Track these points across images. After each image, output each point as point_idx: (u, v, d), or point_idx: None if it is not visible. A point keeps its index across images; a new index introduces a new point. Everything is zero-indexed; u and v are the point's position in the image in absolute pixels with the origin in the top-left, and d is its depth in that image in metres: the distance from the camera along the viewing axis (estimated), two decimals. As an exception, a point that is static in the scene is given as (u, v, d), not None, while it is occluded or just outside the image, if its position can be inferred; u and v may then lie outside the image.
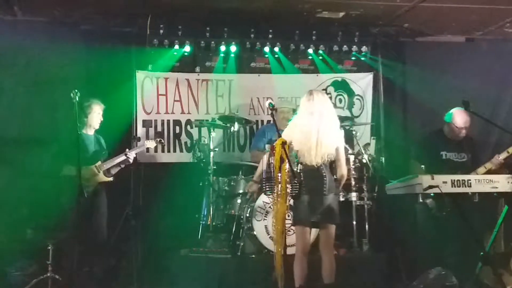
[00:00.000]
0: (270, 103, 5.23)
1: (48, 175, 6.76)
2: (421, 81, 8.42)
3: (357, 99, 8.37)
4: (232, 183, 7.07)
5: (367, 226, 7.03)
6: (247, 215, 6.64)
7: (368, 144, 7.44)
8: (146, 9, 7.34)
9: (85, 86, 7.41)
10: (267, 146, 5.39)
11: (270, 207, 6.24)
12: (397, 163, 7.25)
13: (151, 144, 7.17)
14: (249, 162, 7.30)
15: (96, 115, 6.62)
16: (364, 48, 8.24)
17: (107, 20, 7.63)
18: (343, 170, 5.59)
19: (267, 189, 5.06)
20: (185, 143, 7.96)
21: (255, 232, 6.50)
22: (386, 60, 8.40)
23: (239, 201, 6.94)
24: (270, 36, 8.01)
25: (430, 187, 5.48)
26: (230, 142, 8.07)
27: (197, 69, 8.10)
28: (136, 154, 6.86)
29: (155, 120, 7.88)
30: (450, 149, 6.69)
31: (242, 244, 6.67)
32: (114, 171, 6.71)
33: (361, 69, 8.44)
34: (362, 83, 8.38)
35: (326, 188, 5.36)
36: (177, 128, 7.95)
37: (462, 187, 5.59)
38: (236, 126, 7.32)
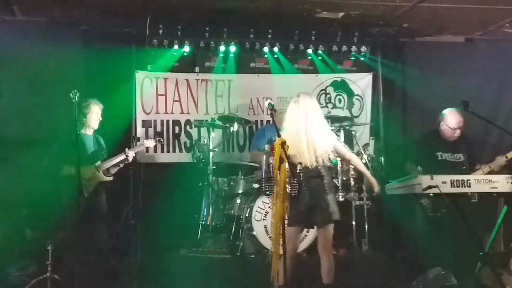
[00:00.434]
0: (269, 103, 5.22)
1: (47, 175, 6.76)
2: (421, 81, 8.42)
3: (356, 99, 8.38)
4: (231, 183, 7.08)
5: (366, 226, 7.03)
6: (247, 215, 6.65)
7: (367, 144, 7.45)
8: (145, 9, 7.34)
9: (85, 86, 7.42)
10: (266, 146, 5.38)
11: (269, 207, 6.23)
12: (396, 163, 7.24)
13: (150, 143, 7.17)
14: (248, 162, 7.30)
15: (94, 115, 6.62)
16: (363, 48, 8.24)
17: (107, 20, 7.63)
18: (353, 158, 5.87)
19: (267, 189, 5.06)
20: (185, 143, 7.96)
21: (254, 232, 6.50)
22: (386, 60, 8.40)
23: (238, 201, 6.95)
24: (270, 36, 8.01)
25: (430, 187, 5.48)
26: (230, 142, 8.07)
27: (197, 69, 8.10)
28: (135, 154, 6.86)
29: (155, 120, 7.88)
30: (445, 149, 6.71)
31: (241, 244, 6.68)
32: (113, 170, 6.71)
33: (360, 69, 8.44)
34: (361, 83, 8.38)
35: (325, 188, 5.36)
36: (177, 128, 7.95)
37: (462, 187, 5.59)
38: (235, 126, 7.32)
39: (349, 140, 7.33)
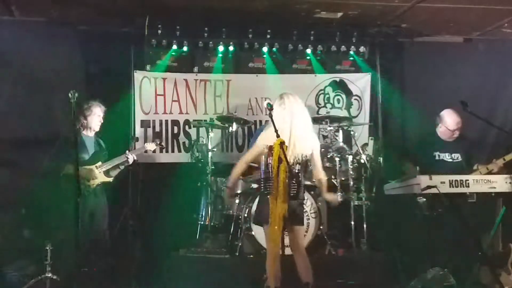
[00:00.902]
0: (268, 103, 5.21)
1: (46, 175, 6.76)
2: (419, 81, 8.44)
3: (355, 99, 8.38)
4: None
5: (365, 226, 7.02)
6: (245, 215, 6.64)
7: (366, 144, 7.45)
8: (144, 10, 7.33)
9: (83, 86, 7.44)
10: (265, 146, 5.37)
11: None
12: (395, 163, 7.25)
13: (151, 146, 7.15)
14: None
15: (96, 117, 6.60)
16: (362, 48, 8.24)
17: (105, 20, 7.63)
18: (320, 174, 5.48)
19: (266, 189, 5.05)
20: (183, 143, 7.96)
21: (253, 233, 6.50)
22: (384, 61, 8.40)
23: (237, 201, 6.94)
24: (268, 36, 8.01)
25: (428, 187, 5.50)
26: (228, 142, 8.07)
27: (195, 69, 8.10)
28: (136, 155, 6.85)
29: (153, 120, 7.88)
30: (443, 149, 6.72)
31: (240, 244, 6.67)
32: (114, 173, 6.68)
33: (359, 69, 8.43)
34: (360, 83, 8.37)
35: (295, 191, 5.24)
36: (175, 128, 7.95)
37: (460, 187, 5.62)
38: (234, 126, 7.32)
39: (348, 140, 7.34)
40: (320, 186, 5.57)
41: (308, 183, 6.87)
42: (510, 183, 5.65)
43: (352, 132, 7.33)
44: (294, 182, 4.89)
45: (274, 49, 8.09)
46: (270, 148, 5.09)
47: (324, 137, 7.63)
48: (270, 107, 5.16)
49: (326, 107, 8.25)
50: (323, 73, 8.34)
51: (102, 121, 6.68)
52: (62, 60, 7.61)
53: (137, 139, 7.50)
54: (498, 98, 8.56)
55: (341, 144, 7.15)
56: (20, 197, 7.23)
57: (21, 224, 7.04)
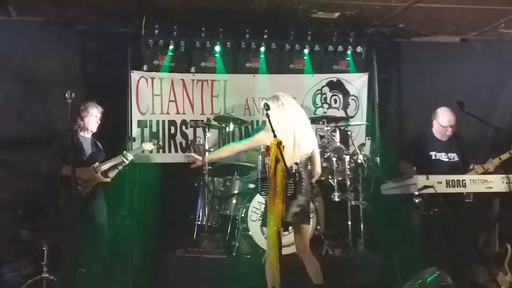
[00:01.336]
0: (265, 103, 5.20)
1: (44, 175, 6.75)
2: (416, 81, 8.46)
3: (352, 99, 8.38)
4: (227, 184, 7.08)
5: (362, 226, 7.03)
6: (242, 215, 6.65)
7: (363, 144, 7.45)
8: (141, 9, 7.32)
9: (80, 86, 7.43)
10: (262, 146, 5.38)
11: (265, 207, 6.23)
12: (392, 163, 7.25)
13: (148, 146, 7.13)
14: (244, 162, 7.29)
15: (93, 118, 6.57)
16: (359, 49, 8.23)
17: (102, 20, 7.61)
18: (318, 168, 5.58)
19: (263, 189, 5.05)
20: (180, 143, 7.95)
21: (250, 233, 6.50)
22: (381, 61, 8.39)
23: (234, 201, 6.95)
24: (265, 36, 8.00)
25: (425, 187, 5.51)
26: (225, 142, 8.04)
27: (192, 69, 8.08)
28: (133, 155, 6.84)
29: (150, 121, 7.86)
30: (439, 149, 6.72)
31: (237, 244, 6.68)
32: (112, 174, 6.66)
33: (356, 70, 8.42)
34: (357, 83, 8.37)
35: (301, 189, 5.27)
36: (172, 128, 7.94)
37: (457, 187, 5.63)
38: (231, 127, 7.33)
39: (345, 140, 7.34)
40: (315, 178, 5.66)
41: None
42: (507, 183, 5.66)
43: (349, 132, 7.34)
44: (291, 182, 4.88)
45: (271, 49, 8.08)
46: (267, 148, 5.09)
47: (321, 137, 7.62)
48: (267, 107, 5.15)
49: (323, 107, 8.24)
50: (320, 73, 8.34)
51: (99, 122, 6.66)
52: (59, 60, 7.60)
53: (134, 139, 7.48)
54: (495, 98, 8.58)
55: (338, 144, 7.15)
56: (17, 197, 7.22)
57: (18, 225, 7.02)
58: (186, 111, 7.97)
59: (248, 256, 6.64)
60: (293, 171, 5.07)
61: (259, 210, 6.47)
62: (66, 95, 5.51)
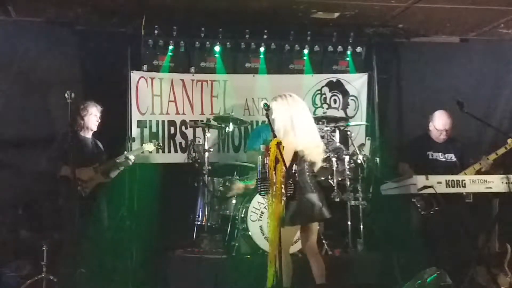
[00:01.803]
0: (265, 103, 5.20)
1: (43, 175, 6.75)
2: (416, 81, 8.46)
3: (351, 99, 8.38)
4: (227, 184, 7.07)
5: (362, 226, 7.03)
6: (242, 215, 6.64)
7: (363, 145, 7.44)
8: (140, 10, 7.33)
9: (80, 86, 7.43)
10: (261, 146, 5.38)
11: (265, 207, 6.23)
12: (391, 163, 7.26)
13: (149, 147, 7.12)
14: (244, 162, 7.29)
15: (92, 117, 6.58)
16: (359, 49, 8.24)
17: (102, 20, 7.61)
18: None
19: (262, 189, 5.05)
20: (180, 143, 7.95)
21: (250, 233, 6.49)
22: (381, 61, 8.39)
23: (234, 201, 6.94)
24: (265, 36, 8.01)
25: (425, 187, 5.51)
26: (225, 142, 8.07)
27: (192, 69, 8.08)
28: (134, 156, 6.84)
29: (150, 121, 7.86)
30: (436, 149, 6.74)
31: (237, 244, 6.68)
32: (113, 174, 6.65)
33: (355, 70, 8.42)
34: (357, 83, 8.38)
35: (311, 186, 5.32)
36: (172, 128, 7.94)
37: (457, 187, 5.63)
38: (231, 127, 7.32)
39: (345, 141, 7.33)
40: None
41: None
42: (506, 183, 5.66)
43: (348, 133, 7.33)
44: (290, 182, 4.88)
45: (271, 49, 8.08)
46: (267, 148, 5.09)
47: (321, 137, 7.60)
48: (267, 108, 5.16)
49: (323, 108, 8.25)
50: (320, 73, 8.34)
51: (99, 121, 6.66)
52: (58, 60, 7.61)
53: (133, 140, 7.47)
54: (495, 98, 8.58)
55: (338, 144, 7.14)
56: (17, 197, 7.22)
57: (18, 225, 7.02)
58: (185, 111, 7.97)
59: (248, 256, 6.63)
60: (293, 171, 5.07)
61: (259, 210, 6.46)
62: (66, 95, 5.50)
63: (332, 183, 6.95)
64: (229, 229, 6.86)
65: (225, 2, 7.10)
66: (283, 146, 4.79)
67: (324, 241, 6.74)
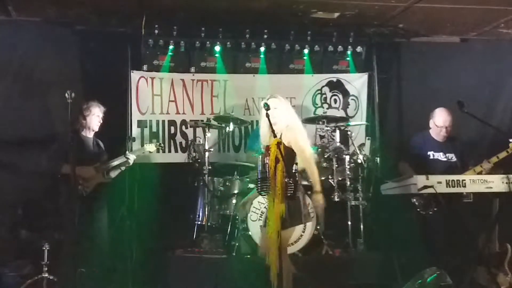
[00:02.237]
0: (265, 103, 5.22)
1: (44, 175, 6.74)
2: (416, 81, 8.46)
3: (352, 99, 8.37)
4: (227, 183, 7.07)
5: (362, 226, 7.03)
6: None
7: (363, 144, 7.45)
8: (141, 9, 7.33)
9: (80, 86, 7.43)
10: (262, 146, 5.39)
11: (265, 207, 6.23)
12: (391, 163, 7.26)
13: (150, 148, 7.12)
14: (244, 162, 7.29)
15: (95, 117, 6.57)
16: (359, 49, 8.24)
17: (102, 20, 7.61)
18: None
19: (263, 189, 5.05)
20: (180, 143, 7.95)
21: (250, 233, 6.49)
22: (381, 61, 8.39)
23: (234, 201, 6.94)
24: (265, 36, 8.01)
25: (425, 187, 5.51)
26: (225, 142, 8.06)
27: (192, 69, 8.07)
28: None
29: (150, 121, 7.86)
30: (437, 149, 6.73)
31: (237, 244, 6.67)
32: (114, 174, 6.65)
33: (356, 70, 8.42)
34: (357, 83, 8.37)
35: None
36: (172, 128, 7.94)
37: (457, 187, 5.63)
38: (231, 127, 7.32)
39: (345, 140, 7.33)
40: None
41: (305, 183, 6.89)
42: (506, 183, 5.66)
43: (349, 132, 7.33)
44: (291, 182, 4.89)
45: (271, 49, 8.08)
46: (267, 148, 5.09)
47: (321, 137, 7.62)
48: (267, 107, 5.16)
49: (323, 107, 8.24)
50: (320, 73, 8.34)
51: (101, 122, 6.66)
52: (58, 60, 7.61)
53: (133, 139, 7.47)
54: (495, 98, 8.58)
55: (338, 144, 7.15)
56: (17, 197, 7.22)
57: (18, 224, 7.02)
58: (186, 111, 7.97)
59: (248, 256, 6.63)
60: (293, 171, 5.07)
61: (259, 210, 6.46)
62: (66, 95, 5.50)
63: (332, 183, 6.96)
64: (229, 229, 6.86)
65: (225, 2, 7.10)
66: (284, 146, 4.80)
67: (324, 241, 6.74)
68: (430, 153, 6.74)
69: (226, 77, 8.08)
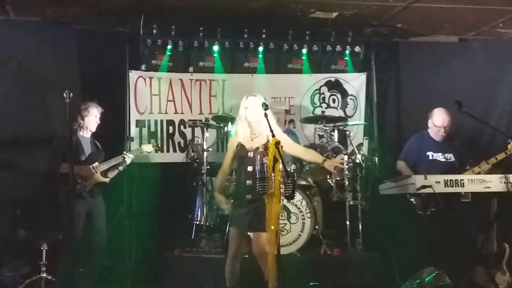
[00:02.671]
0: (263, 103, 5.22)
1: (42, 175, 6.73)
2: (414, 81, 8.46)
3: (350, 99, 8.38)
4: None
5: (360, 226, 7.03)
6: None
7: (361, 144, 7.46)
8: (139, 9, 7.33)
9: (78, 85, 7.42)
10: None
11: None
12: (390, 163, 7.26)
13: (148, 148, 7.11)
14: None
15: (93, 117, 6.55)
16: (357, 48, 8.26)
17: (100, 20, 7.61)
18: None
19: (261, 189, 5.05)
20: (179, 143, 7.96)
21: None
22: (379, 60, 8.40)
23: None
24: (264, 36, 8.02)
25: (423, 187, 5.51)
26: (224, 142, 8.05)
27: (191, 69, 8.08)
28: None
29: (149, 120, 7.87)
30: (436, 149, 6.72)
31: (235, 244, 6.67)
32: (112, 174, 6.63)
33: (354, 69, 8.42)
34: (355, 83, 8.38)
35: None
36: (171, 128, 7.94)
37: (455, 187, 5.62)
38: (229, 126, 7.32)
39: (343, 140, 7.33)
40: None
41: (303, 183, 6.90)
42: (505, 182, 5.66)
43: (347, 132, 7.33)
44: (289, 181, 4.88)
45: (269, 48, 8.08)
46: (266, 147, 5.09)
47: (320, 136, 7.63)
48: (266, 107, 5.16)
49: (322, 107, 8.25)
50: (319, 73, 8.34)
51: (99, 122, 6.64)
52: (57, 59, 7.60)
53: (132, 139, 7.47)
54: (493, 98, 8.58)
55: (337, 143, 7.15)
56: (15, 197, 7.21)
57: (16, 225, 7.01)
58: (184, 110, 7.97)
59: (246, 256, 6.62)
60: (291, 170, 5.07)
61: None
62: (64, 94, 5.49)
63: (330, 182, 6.96)
64: (227, 229, 6.84)
65: (224, 2, 7.10)
66: (282, 146, 4.79)
67: (323, 241, 6.74)
68: (429, 153, 6.73)
69: (225, 77, 8.08)
